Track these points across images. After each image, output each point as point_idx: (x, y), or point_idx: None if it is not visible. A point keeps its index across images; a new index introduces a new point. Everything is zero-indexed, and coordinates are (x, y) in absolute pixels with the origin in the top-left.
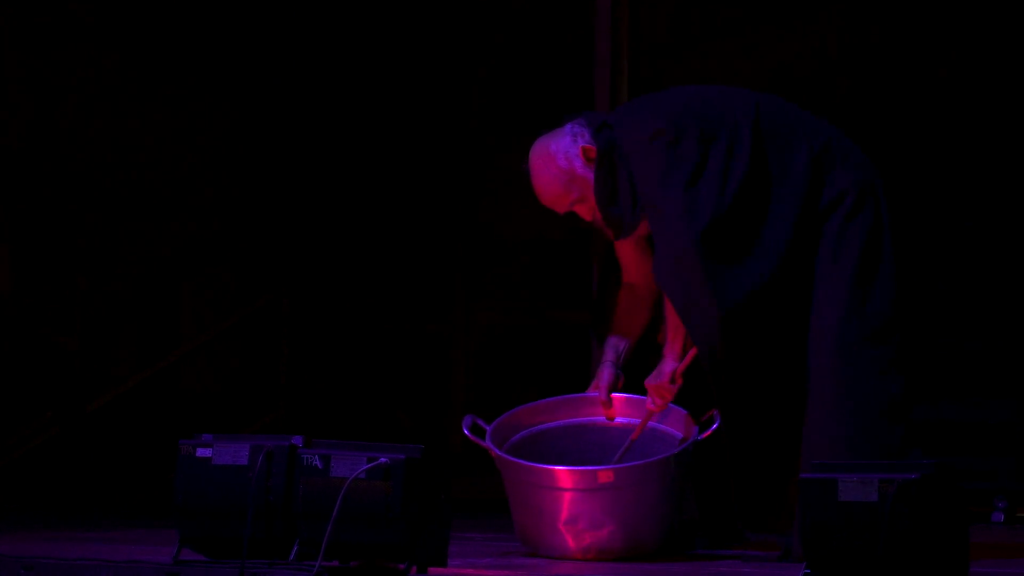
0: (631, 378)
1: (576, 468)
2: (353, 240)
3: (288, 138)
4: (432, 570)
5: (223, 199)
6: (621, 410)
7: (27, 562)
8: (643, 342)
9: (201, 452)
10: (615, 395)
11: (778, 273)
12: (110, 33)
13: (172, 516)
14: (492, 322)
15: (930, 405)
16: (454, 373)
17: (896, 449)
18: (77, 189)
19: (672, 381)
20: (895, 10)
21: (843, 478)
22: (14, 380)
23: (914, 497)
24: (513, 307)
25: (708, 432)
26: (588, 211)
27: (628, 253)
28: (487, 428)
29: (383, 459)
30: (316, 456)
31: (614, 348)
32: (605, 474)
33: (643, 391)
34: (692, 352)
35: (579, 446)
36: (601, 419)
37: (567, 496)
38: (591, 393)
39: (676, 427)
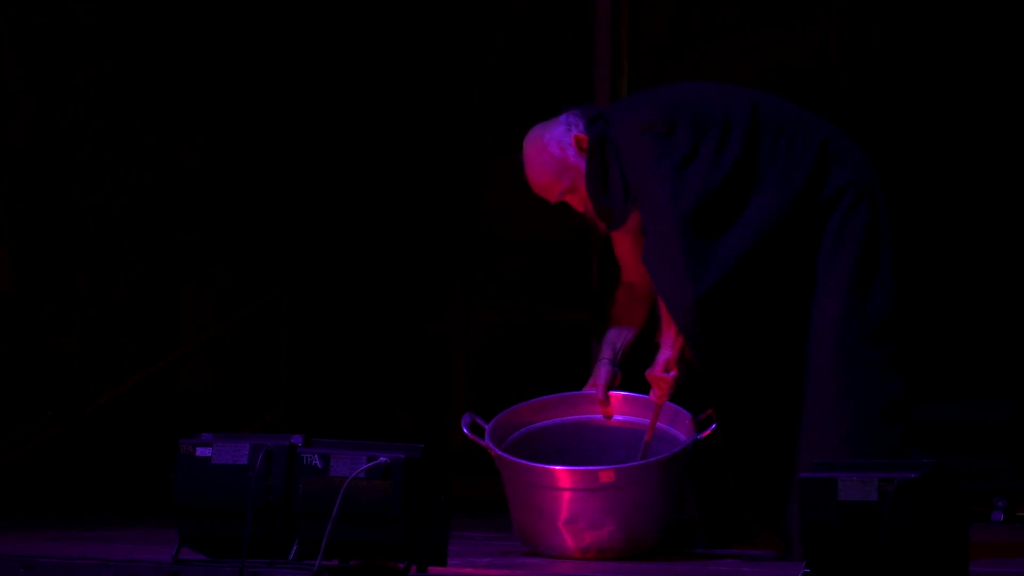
0: (629, 376)
1: (577, 468)
2: (353, 240)
3: (288, 138)
4: (432, 569)
5: (223, 199)
6: (618, 408)
7: (27, 561)
8: (641, 340)
9: (201, 451)
10: (612, 393)
11: (754, 262)
12: (110, 33)
13: (172, 515)
14: (492, 322)
15: (930, 405)
16: (454, 373)
17: (896, 449)
18: (77, 189)
19: (666, 370)
20: (895, 10)
21: (843, 477)
22: (14, 380)
23: (914, 496)
24: (513, 307)
25: (707, 432)
26: (579, 201)
27: (626, 251)
28: (486, 426)
29: (383, 458)
30: (316, 455)
31: (611, 346)
32: (606, 474)
33: (640, 389)
34: (681, 341)
35: (577, 444)
36: (599, 417)
37: (567, 496)
38: (588, 391)
39: (678, 427)
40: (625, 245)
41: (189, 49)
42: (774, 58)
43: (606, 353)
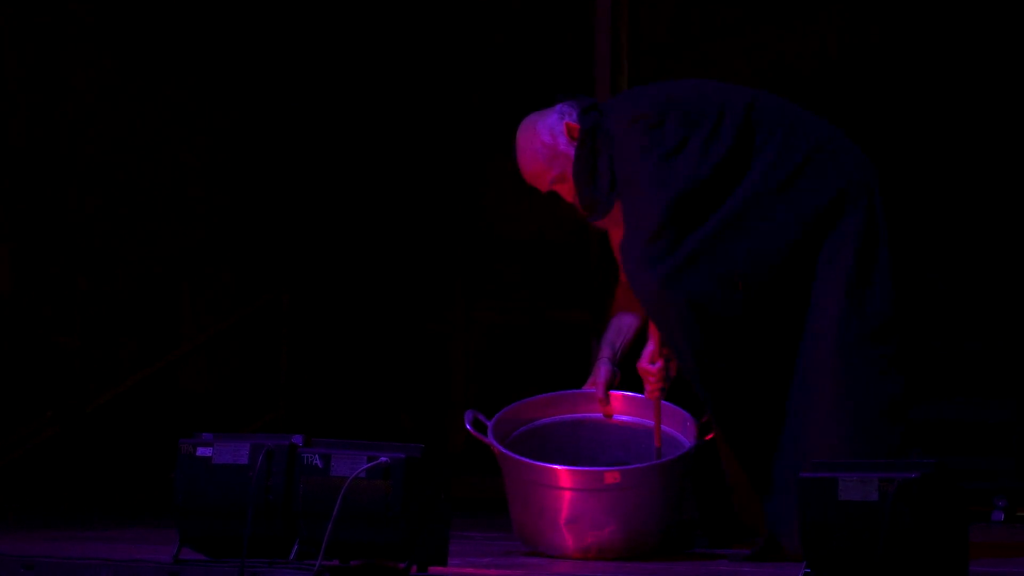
0: (629, 375)
1: (582, 468)
2: (353, 240)
3: (288, 139)
4: (432, 569)
5: (223, 199)
6: (618, 407)
7: (27, 561)
8: (641, 339)
9: (201, 451)
10: (612, 392)
11: (727, 254)
12: (110, 33)
13: (172, 515)
14: (492, 321)
15: (930, 405)
16: (454, 372)
17: (896, 449)
18: (77, 189)
19: (651, 362)
20: (895, 10)
21: (843, 477)
22: (14, 380)
23: (914, 496)
24: (513, 307)
25: (710, 435)
26: (569, 191)
27: None
28: (488, 424)
29: (383, 458)
30: (316, 455)
31: (611, 345)
32: (612, 475)
33: (640, 388)
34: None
35: (575, 442)
36: (598, 415)
37: (571, 496)
38: (588, 389)
39: (678, 428)
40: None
41: (189, 49)
42: (774, 58)
43: (605, 352)
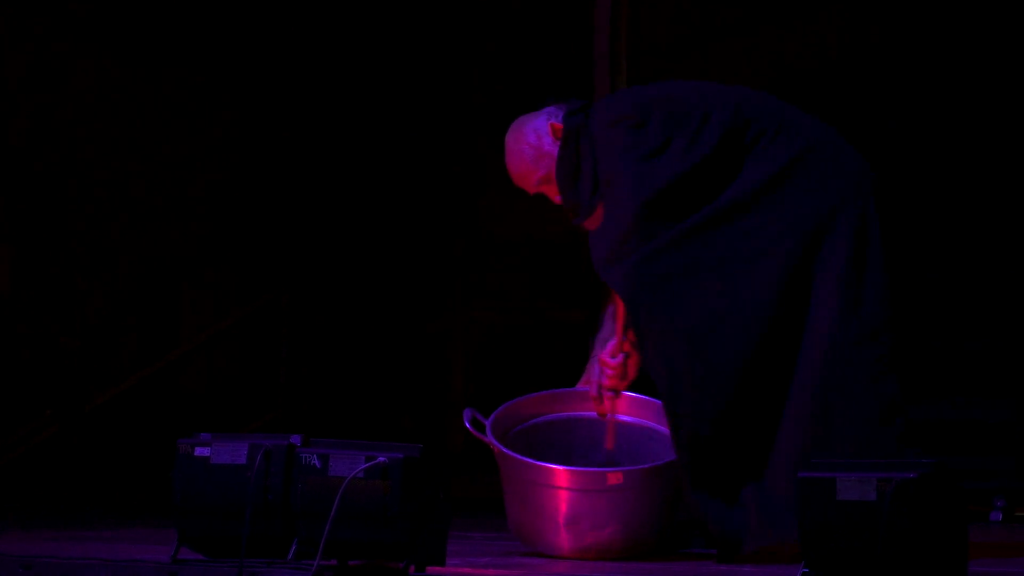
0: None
1: (584, 469)
2: (352, 240)
3: (288, 139)
4: (431, 569)
5: (223, 199)
6: (612, 406)
7: (26, 561)
8: None
9: (199, 451)
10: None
11: (702, 251)
12: (110, 33)
13: (171, 515)
14: (491, 322)
15: (930, 405)
16: (453, 372)
17: (893, 449)
18: (77, 189)
19: (612, 355)
20: (895, 10)
21: (842, 477)
22: (14, 379)
23: (913, 496)
24: (512, 307)
25: None
26: (555, 193)
27: None
28: (486, 423)
29: (381, 458)
30: (315, 455)
31: (604, 343)
32: (614, 476)
33: (635, 388)
34: (621, 326)
35: (568, 440)
36: (592, 414)
37: (572, 496)
38: (582, 388)
39: (654, 419)
40: None
41: (189, 49)
42: (774, 58)
43: (599, 350)
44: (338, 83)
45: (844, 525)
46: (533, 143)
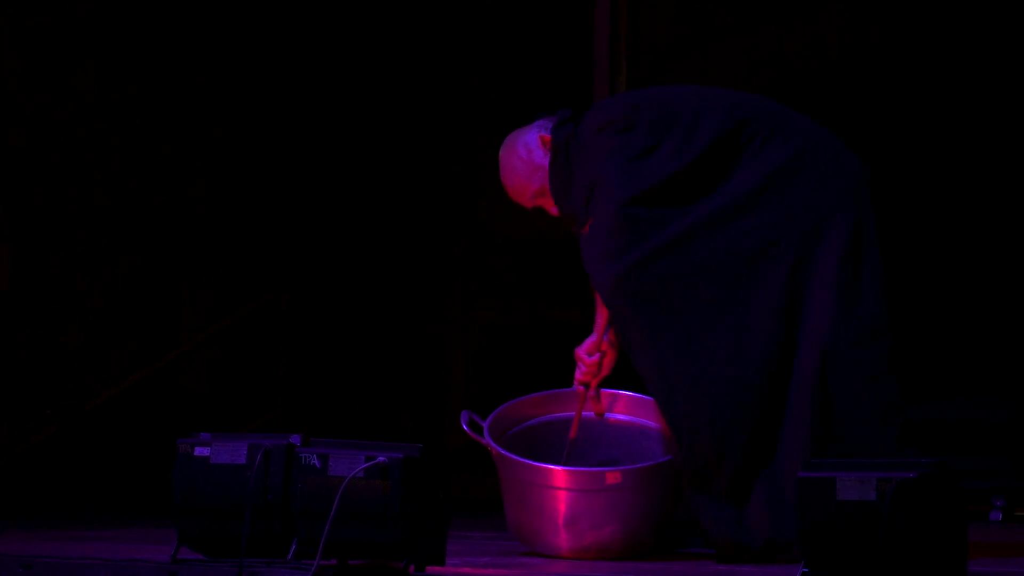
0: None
1: (583, 469)
2: (352, 240)
3: (288, 139)
4: (430, 569)
5: (222, 199)
6: (608, 406)
7: (26, 561)
8: None
9: (199, 451)
10: (603, 391)
11: (693, 252)
12: (110, 33)
13: (170, 515)
14: (490, 322)
15: (930, 405)
16: (452, 373)
17: (893, 449)
18: (77, 189)
19: (589, 353)
20: (895, 10)
21: (841, 477)
22: (13, 379)
23: (912, 496)
24: (511, 307)
25: None
26: (551, 204)
27: None
28: (484, 425)
29: (381, 458)
30: (314, 455)
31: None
32: (613, 475)
33: (633, 388)
34: (603, 325)
35: (564, 441)
36: (589, 413)
37: (571, 496)
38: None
39: (649, 417)
40: None
41: (189, 49)
42: (774, 58)
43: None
44: (338, 83)
45: (844, 525)
46: (524, 157)
